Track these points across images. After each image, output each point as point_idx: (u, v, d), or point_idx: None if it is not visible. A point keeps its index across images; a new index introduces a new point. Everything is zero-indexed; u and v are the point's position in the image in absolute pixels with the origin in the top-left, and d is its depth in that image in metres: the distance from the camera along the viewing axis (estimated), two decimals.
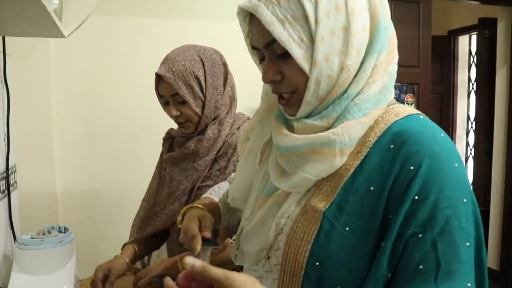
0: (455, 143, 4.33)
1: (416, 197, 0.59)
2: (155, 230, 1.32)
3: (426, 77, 2.95)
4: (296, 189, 0.68)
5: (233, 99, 1.31)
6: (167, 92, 1.22)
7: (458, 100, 4.33)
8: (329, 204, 0.64)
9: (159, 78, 1.23)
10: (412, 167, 0.59)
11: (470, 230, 0.59)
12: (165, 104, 1.27)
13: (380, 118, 0.66)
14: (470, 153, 4.21)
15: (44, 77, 1.86)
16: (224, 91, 1.26)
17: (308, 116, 0.68)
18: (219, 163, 1.26)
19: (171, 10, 2.06)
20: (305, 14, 0.62)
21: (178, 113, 1.23)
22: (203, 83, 1.21)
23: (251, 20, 0.69)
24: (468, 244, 0.59)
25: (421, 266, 0.57)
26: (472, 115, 4.16)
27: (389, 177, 0.61)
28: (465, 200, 0.60)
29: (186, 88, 1.19)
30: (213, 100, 1.24)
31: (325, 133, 0.64)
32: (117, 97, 2.00)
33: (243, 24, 0.72)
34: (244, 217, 0.81)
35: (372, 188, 0.62)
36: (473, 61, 4.22)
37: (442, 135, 0.63)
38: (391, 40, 0.68)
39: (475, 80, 4.02)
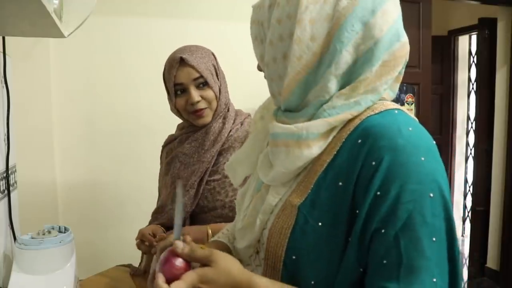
0: (455, 143, 4.35)
1: (378, 192, 0.59)
2: (160, 223, 1.33)
3: (426, 77, 2.95)
4: (273, 182, 0.72)
5: (229, 99, 1.36)
6: (189, 76, 1.24)
7: (458, 100, 4.33)
8: (303, 199, 0.66)
9: (179, 64, 1.24)
10: (373, 162, 0.60)
11: (437, 225, 0.59)
12: (181, 93, 1.27)
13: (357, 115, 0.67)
14: (470, 153, 4.21)
15: (44, 77, 1.86)
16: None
17: (279, 108, 0.75)
18: (226, 156, 1.28)
19: (171, 10, 2.06)
20: (262, 20, 0.71)
21: (200, 98, 1.25)
22: (218, 71, 1.29)
23: None
24: (434, 239, 0.58)
25: (385, 261, 0.59)
26: (472, 115, 4.15)
27: (354, 172, 0.62)
28: (432, 195, 0.59)
29: (208, 72, 1.25)
30: (224, 90, 1.31)
31: (291, 126, 0.68)
32: (117, 97, 2.00)
33: None
34: (241, 214, 0.82)
35: (340, 183, 0.63)
36: (473, 61, 4.21)
37: (410, 128, 0.62)
38: (396, 53, 0.66)
39: (475, 80, 4.02)
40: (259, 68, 0.78)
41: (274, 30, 0.68)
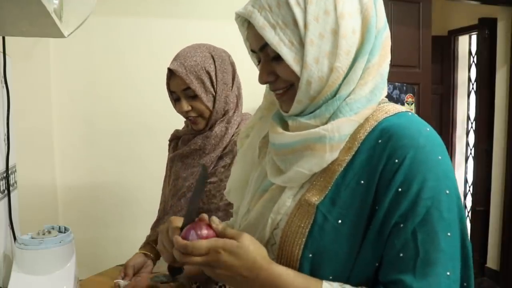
0: (455, 143, 4.35)
1: (400, 189, 0.62)
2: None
3: (426, 77, 2.95)
4: (290, 183, 0.71)
5: (239, 98, 1.33)
6: (179, 87, 1.23)
7: (458, 100, 4.33)
8: (322, 198, 0.67)
9: (170, 74, 1.25)
10: (397, 160, 0.63)
11: (452, 221, 0.62)
12: (176, 100, 1.28)
13: (370, 115, 0.69)
14: (470, 153, 4.21)
15: (44, 77, 1.86)
16: (232, 89, 1.29)
17: (301, 113, 0.71)
18: (224, 160, 1.27)
19: (171, 10, 2.06)
20: (294, 19, 0.66)
21: (190, 108, 1.24)
22: (213, 78, 1.24)
23: (248, 25, 0.72)
24: (449, 234, 0.61)
25: (401, 254, 0.61)
26: (472, 115, 4.15)
27: (377, 170, 0.64)
28: (447, 192, 0.62)
29: (198, 83, 1.22)
30: (223, 96, 1.26)
31: (317, 129, 0.67)
32: (117, 97, 2.00)
33: (242, 28, 0.75)
34: (240, 215, 0.82)
35: (362, 181, 0.65)
36: (473, 61, 4.21)
37: (428, 129, 0.67)
38: (384, 41, 0.71)
39: (475, 80, 4.02)
40: (263, 81, 0.73)
41: (314, 29, 0.65)
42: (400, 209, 0.61)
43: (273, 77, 0.72)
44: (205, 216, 0.68)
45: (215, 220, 0.67)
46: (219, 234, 0.66)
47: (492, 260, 3.42)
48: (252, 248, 0.64)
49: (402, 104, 2.63)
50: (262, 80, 0.73)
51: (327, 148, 0.66)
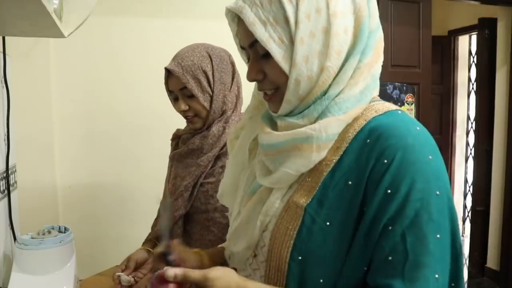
0: (455, 143, 4.35)
1: (388, 191, 0.60)
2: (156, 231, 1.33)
3: (426, 77, 2.95)
4: (277, 184, 0.70)
5: (239, 98, 1.33)
6: (176, 86, 1.24)
7: (458, 100, 4.33)
8: (310, 200, 0.65)
9: (168, 73, 1.25)
10: (386, 160, 0.61)
11: (442, 222, 0.60)
12: (175, 99, 1.29)
13: (360, 114, 0.67)
14: (470, 153, 4.21)
15: (44, 77, 1.86)
16: (231, 89, 1.28)
17: (290, 113, 0.70)
18: (222, 160, 1.27)
19: (171, 10, 2.06)
20: (285, 16, 0.64)
21: (187, 107, 1.25)
22: (210, 77, 1.24)
23: (239, 21, 0.71)
24: (438, 236, 0.59)
25: (390, 258, 0.59)
26: (472, 115, 4.15)
27: (365, 171, 0.62)
28: (438, 193, 0.60)
29: (194, 82, 1.22)
30: (221, 95, 1.26)
31: (304, 129, 0.66)
32: (117, 97, 2.00)
33: (232, 24, 0.74)
34: (232, 216, 0.82)
35: (350, 182, 0.63)
36: (473, 61, 4.21)
37: (418, 128, 0.64)
38: (377, 43, 0.69)
39: (475, 80, 4.02)
40: (251, 79, 0.72)
41: (305, 27, 0.63)
42: (388, 211, 0.59)
43: (261, 75, 0.70)
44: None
45: (169, 273, 0.63)
46: (185, 279, 0.63)
47: (492, 260, 3.42)
48: (228, 282, 0.63)
49: (402, 104, 2.63)
50: (250, 78, 0.72)
51: (314, 148, 0.65)
